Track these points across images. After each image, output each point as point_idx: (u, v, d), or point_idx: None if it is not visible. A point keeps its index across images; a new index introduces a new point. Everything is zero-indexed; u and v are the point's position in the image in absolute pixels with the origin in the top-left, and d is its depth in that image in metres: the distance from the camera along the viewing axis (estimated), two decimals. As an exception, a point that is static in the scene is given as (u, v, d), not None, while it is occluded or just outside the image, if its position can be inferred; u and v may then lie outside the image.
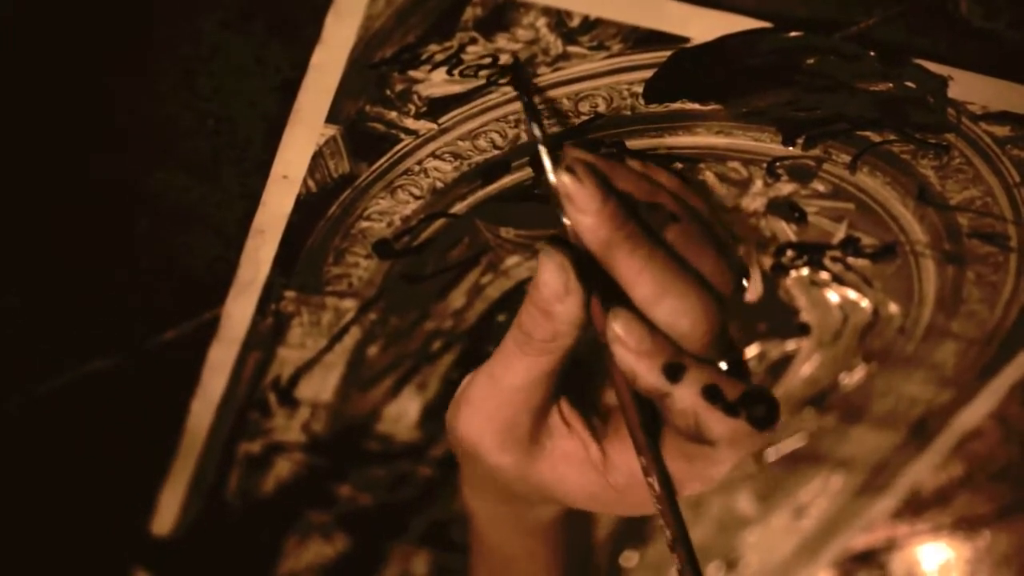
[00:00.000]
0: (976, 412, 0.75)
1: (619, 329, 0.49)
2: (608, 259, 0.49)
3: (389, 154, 0.52)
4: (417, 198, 0.55)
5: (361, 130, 0.51)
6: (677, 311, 0.50)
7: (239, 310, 0.58)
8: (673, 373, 0.50)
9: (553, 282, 0.49)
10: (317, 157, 0.51)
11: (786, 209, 0.59)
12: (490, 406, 0.53)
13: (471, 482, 0.61)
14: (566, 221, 0.50)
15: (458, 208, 0.56)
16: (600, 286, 0.50)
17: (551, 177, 0.50)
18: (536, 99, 0.51)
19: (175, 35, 0.47)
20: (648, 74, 0.51)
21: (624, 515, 0.65)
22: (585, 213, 0.49)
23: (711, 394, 0.50)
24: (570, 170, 0.49)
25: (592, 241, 0.49)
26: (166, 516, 0.69)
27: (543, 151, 0.50)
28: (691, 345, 0.50)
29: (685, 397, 0.50)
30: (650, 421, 0.52)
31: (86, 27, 0.47)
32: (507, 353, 0.52)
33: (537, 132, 0.50)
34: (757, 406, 0.50)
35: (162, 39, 0.48)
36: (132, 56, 0.48)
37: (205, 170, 0.53)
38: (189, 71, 0.49)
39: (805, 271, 0.63)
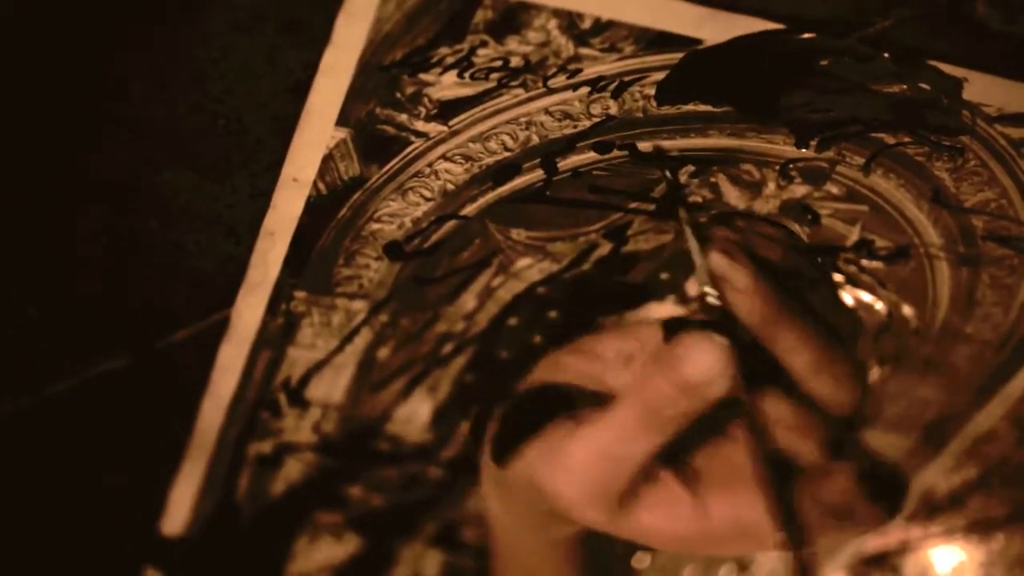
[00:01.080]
0: (990, 415, 0.74)
1: (774, 408, 0.50)
2: (766, 335, 0.50)
3: (400, 156, 0.52)
4: (428, 200, 0.54)
5: (371, 132, 0.51)
6: (837, 379, 0.50)
7: (249, 310, 0.58)
8: (836, 448, 0.50)
9: (712, 366, 0.48)
10: (327, 159, 0.51)
11: (799, 211, 0.58)
12: (596, 474, 0.52)
13: (508, 506, 0.60)
14: (715, 302, 0.50)
15: (469, 210, 0.56)
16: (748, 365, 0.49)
17: (698, 259, 0.50)
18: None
19: (186, 36, 0.47)
20: (660, 76, 0.51)
21: (711, 554, 0.65)
22: (743, 292, 0.49)
23: (866, 479, 0.50)
24: (725, 252, 0.49)
25: (751, 318, 0.49)
26: (176, 516, 0.69)
27: (689, 234, 0.51)
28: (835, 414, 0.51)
29: (843, 478, 0.50)
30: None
31: (97, 27, 0.47)
32: (625, 427, 0.51)
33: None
34: (898, 496, 0.50)
35: (173, 40, 0.48)
36: (143, 57, 0.48)
37: (216, 171, 0.53)
38: (200, 72, 0.48)
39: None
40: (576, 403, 0.54)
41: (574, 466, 0.52)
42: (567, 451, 0.52)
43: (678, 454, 0.54)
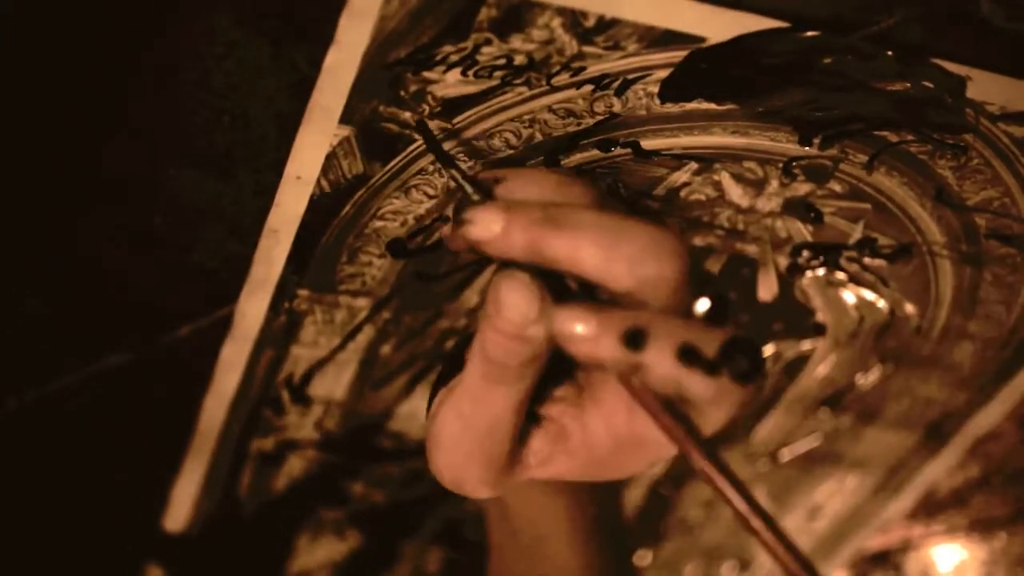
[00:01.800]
0: (993, 413, 0.74)
1: (561, 323, 0.45)
2: (541, 253, 0.45)
3: (403, 154, 0.52)
4: (431, 197, 0.54)
5: (375, 130, 0.51)
6: (634, 257, 0.44)
7: (252, 308, 0.58)
8: (634, 341, 0.44)
9: (523, 304, 0.45)
10: (331, 157, 0.51)
11: (802, 209, 0.58)
12: (466, 446, 0.48)
13: None
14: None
15: (472, 207, 0.55)
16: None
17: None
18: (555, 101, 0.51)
19: (191, 32, 0.47)
20: (664, 74, 0.51)
21: (619, 477, 0.60)
22: (493, 226, 0.45)
23: (687, 355, 0.44)
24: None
25: (517, 247, 0.45)
26: (179, 512, 0.69)
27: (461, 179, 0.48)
28: (665, 297, 0.45)
29: (660, 364, 0.44)
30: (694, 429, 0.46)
31: (102, 24, 0.47)
32: (475, 388, 0.47)
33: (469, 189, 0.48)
34: (739, 360, 0.45)
35: (178, 36, 0.48)
36: (148, 53, 0.48)
37: (220, 167, 0.53)
38: (204, 68, 0.48)
39: (821, 271, 0.62)
40: (460, 369, 0.49)
41: (444, 441, 0.49)
42: (435, 429, 0.49)
43: (543, 396, 0.50)
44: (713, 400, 0.45)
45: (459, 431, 0.48)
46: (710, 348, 0.44)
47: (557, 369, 0.49)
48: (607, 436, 0.48)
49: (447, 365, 0.51)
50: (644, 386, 0.45)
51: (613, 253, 0.44)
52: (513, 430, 0.48)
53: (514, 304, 0.45)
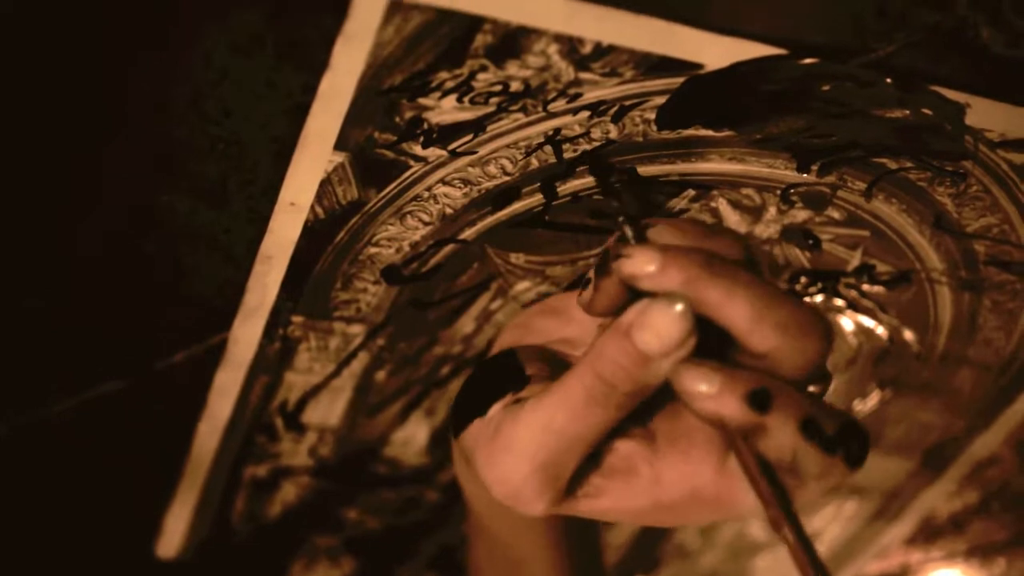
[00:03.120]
0: (992, 439, 0.74)
1: (690, 380, 0.45)
2: (695, 294, 0.45)
3: (398, 180, 0.52)
4: (426, 224, 0.54)
5: (370, 157, 0.50)
6: (783, 324, 0.45)
7: (246, 334, 0.58)
8: (760, 402, 0.45)
9: (675, 332, 0.44)
10: (325, 184, 0.51)
11: (800, 236, 0.58)
12: (542, 456, 0.47)
13: (478, 483, 0.55)
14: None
15: (467, 234, 0.55)
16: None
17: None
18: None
19: (185, 58, 0.47)
20: (660, 100, 0.50)
21: (671, 526, 0.59)
22: (650, 264, 0.45)
23: (809, 428, 0.45)
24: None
25: (672, 285, 0.45)
26: (172, 539, 0.69)
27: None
28: (797, 371, 0.46)
29: (783, 431, 0.45)
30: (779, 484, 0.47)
31: (97, 49, 0.47)
32: (575, 403, 0.46)
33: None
34: (853, 443, 0.46)
35: (172, 62, 0.47)
36: (142, 79, 0.48)
37: (214, 194, 0.52)
38: (199, 94, 0.48)
39: (819, 298, 0.62)
40: (526, 380, 0.50)
41: (518, 447, 0.48)
42: (510, 433, 0.48)
43: (630, 424, 0.49)
44: (820, 476, 0.46)
45: (541, 441, 0.47)
46: (830, 426, 0.45)
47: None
48: (682, 486, 0.48)
49: (500, 376, 0.51)
50: (751, 449, 0.46)
51: (766, 313, 0.45)
52: (586, 453, 0.48)
53: (664, 329, 0.44)
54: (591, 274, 0.49)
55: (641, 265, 0.45)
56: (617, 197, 0.54)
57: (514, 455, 0.48)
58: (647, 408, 0.49)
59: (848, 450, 0.45)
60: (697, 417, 0.46)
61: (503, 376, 0.51)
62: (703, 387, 0.45)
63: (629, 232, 0.47)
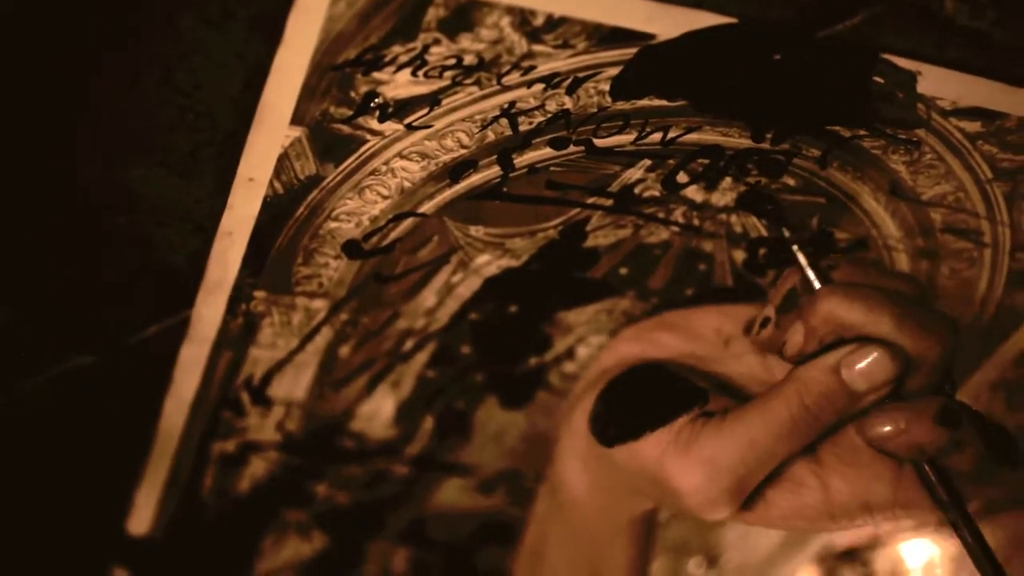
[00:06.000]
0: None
1: (876, 428, 0.51)
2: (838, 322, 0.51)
3: (355, 155, 0.52)
4: (385, 198, 0.54)
5: (326, 131, 0.51)
6: (920, 330, 0.50)
7: (209, 310, 0.58)
8: (950, 420, 0.50)
9: (883, 375, 0.50)
10: (283, 159, 0.51)
11: (757, 203, 0.58)
12: (742, 470, 0.52)
13: (596, 482, 0.60)
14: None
15: (427, 207, 0.56)
16: None
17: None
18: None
19: (155, 30, 0.47)
20: (614, 71, 0.51)
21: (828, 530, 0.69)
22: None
23: (989, 439, 0.51)
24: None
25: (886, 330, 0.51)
26: (143, 515, 0.69)
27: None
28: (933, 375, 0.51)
29: (972, 442, 0.51)
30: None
31: (65, 22, 0.47)
32: (780, 426, 0.52)
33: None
34: (1015, 449, 0.52)
35: (141, 34, 0.47)
36: (111, 52, 0.48)
37: (184, 166, 0.53)
38: (168, 67, 0.48)
39: (778, 267, 0.62)
40: (707, 394, 0.55)
41: (719, 460, 0.52)
42: (712, 446, 0.52)
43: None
44: (999, 484, 0.53)
45: (744, 456, 0.52)
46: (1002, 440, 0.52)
47: None
48: (853, 497, 0.53)
49: (673, 388, 0.56)
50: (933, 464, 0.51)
51: (903, 322, 0.50)
52: (772, 469, 0.53)
53: (873, 372, 0.50)
54: (770, 312, 0.56)
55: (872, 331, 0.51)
56: (784, 224, 0.57)
57: (716, 467, 0.52)
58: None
59: (1014, 457, 0.52)
60: (897, 456, 0.52)
61: (679, 389, 0.56)
62: (890, 428, 0.50)
63: (811, 273, 0.54)
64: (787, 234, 0.56)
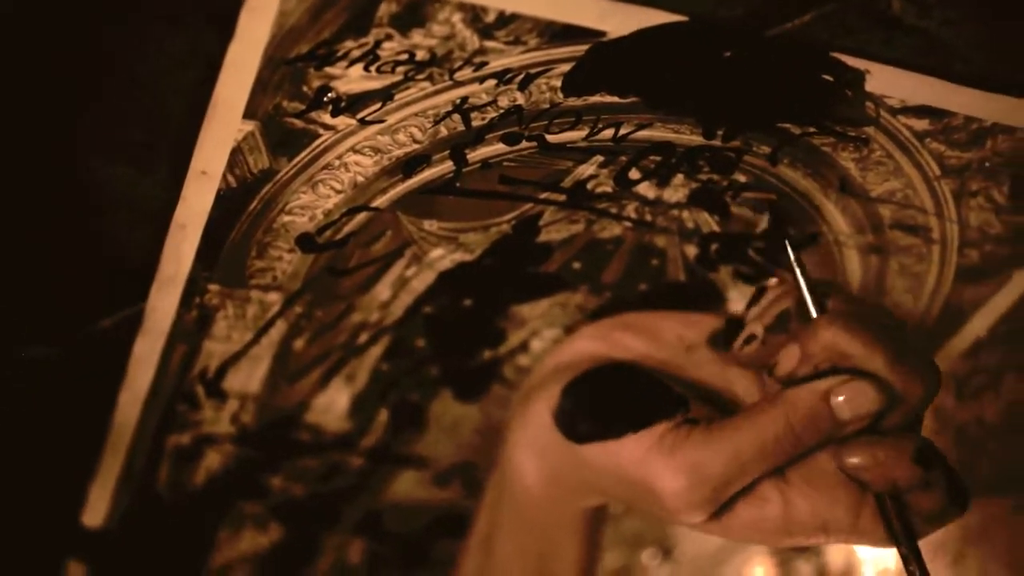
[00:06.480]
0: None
1: (855, 457, 0.52)
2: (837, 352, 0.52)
3: (309, 149, 0.52)
4: (338, 192, 0.55)
5: (279, 126, 0.51)
6: (910, 371, 0.52)
7: (163, 303, 0.58)
8: (926, 460, 0.52)
9: (868, 407, 0.52)
10: (236, 153, 0.51)
11: (708, 200, 0.59)
12: (722, 481, 0.53)
13: (552, 475, 0.61)
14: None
15: (380, 201, 0.56)
16: None
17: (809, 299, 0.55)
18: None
19: (109, 25, 0.47)
20: (566, 68, 0.51)
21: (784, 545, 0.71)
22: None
23: (951, 483, 0.53)
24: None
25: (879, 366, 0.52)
26: (97, 508, 0.69)
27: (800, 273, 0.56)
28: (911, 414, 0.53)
29: (937, 491, 0.52)
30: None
31: (25, 16, 0.47)
32: (764, 443, 0.53)
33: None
34: (965, 493, 0.53)
35: (95, 28, 0.48)
36: (64, 45, 0.48)
37: (137, 159, 0.53)
38: (126, 59, 0.48)
39: (730, 263, 0.63)
40: (688, 402, 0.56)
41: (703, 470, 0.53)
42: (698, 454, 0.53)
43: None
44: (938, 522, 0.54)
45: (726, 468, 0.53)
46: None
47: None
48: (813, 518, 0.54)
49: (655, 393, 0.57)
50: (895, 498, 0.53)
51: (896, 362, 0.52)
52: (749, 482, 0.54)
53: (860, 402, 0.52)
54: (757, 330, 0.57)
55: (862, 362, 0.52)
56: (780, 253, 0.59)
57: (700, 474, 0.53)
58: None
59: (963, 500, 0.54)
60: (867, 486, 0.53)
61: (661, 393, 0.57)
62: (869, 460, 0.52)
63: (810, 300, 0.55)
64: (791, 255, 0.57)
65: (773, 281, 0.61)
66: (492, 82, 0.51)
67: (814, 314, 0.55)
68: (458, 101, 0.52)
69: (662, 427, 0.55)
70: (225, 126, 0.50)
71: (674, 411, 0.55)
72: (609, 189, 0.57)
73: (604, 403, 0.57)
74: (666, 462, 0.54)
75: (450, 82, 0.51)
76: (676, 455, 0.54)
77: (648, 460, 0.54)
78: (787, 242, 0.57)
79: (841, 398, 0.52)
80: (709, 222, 0.60)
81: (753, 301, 0.60)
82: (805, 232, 0.61)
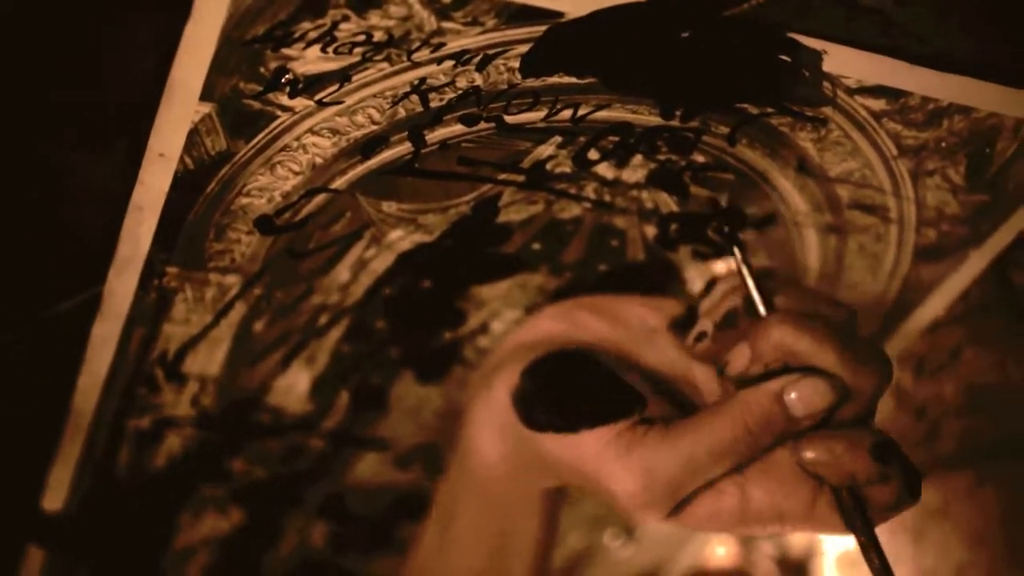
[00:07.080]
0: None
1: (813, 452, 0.53)
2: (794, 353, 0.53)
3: (266, 131, 0.52)
4: (297, 174, 0.54)
5: (237, 107, 0.51)
6: (859, 364, 0.53)
7: (121, 286, 0.58)
8: (882, 455, 0.53)
9: (822, 404, 0.53)
10: (193, 134, 0.51)
11: (667, 180, 0.59)
12: (679, 481, 0.54)
13: (512, 455, 0.61)
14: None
15: (339, 183, 0.56)
16: None
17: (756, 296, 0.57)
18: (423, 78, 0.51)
19: (63, 5, 0.47)
20: (523, 48, 0.51)
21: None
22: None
23: (907, 476, 0.54)
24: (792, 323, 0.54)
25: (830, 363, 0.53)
26: (57, 492, 0.69)
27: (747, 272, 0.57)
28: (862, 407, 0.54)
29: (893, 484, 0.53)
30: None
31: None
32: (720, 445, 0.53)
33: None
34: (918, 481, 0.54)
35: (53, 10, 0.47)
36: (20, 26, 0.48)
37: (94, 141, 0.52)
38: (81, 42, 0.48)
39: (689, 242, 0.63)
40: (646, 401, 0.56)
41: (659, 472, 0.54)
42: (652, 457, 0.54)
43: None
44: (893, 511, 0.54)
45: (682, 469, 0.54)
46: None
47: None
48: (770, 510, 0.55)
49: (614, 390, 0.57)
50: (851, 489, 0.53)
51: (850, 362, 0.53)
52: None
53: (812, 400, 0.53)
54: (707, 327, 0.58)
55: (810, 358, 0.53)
56: (737, 244, 0.59)
57: (654, 477, 0.54)
58: None
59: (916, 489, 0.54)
60: (825, 480, 0.53)
61: (620, 391, 0.57)
62: (826, 455, 0.53)
63: (758, 298, 0.56)
64: (738, 255, 0.58)
65: (722, 269, 0.61)
66: (450, 63, 0.51)
67: (763, 312, 0.56)
68: (416, 82, 0.52)
69: (619, 426, 0.55)
70: (182, 108, 0.50)
71: (631, 410, 0.56)
72: (568, 169, 0.58)
73: (562, 393, 0.57)
74: (621, 463, 0.54)
75: (408, 63, 0.51)
76: (631, 456, 0.54)
77: (603, 459, 0.55)
78: (734, 245, 0.58)
79: (794, 395, 0.53)
80: (668, 202, 0.61)
81: (704, 294, 0.60)
82: (763, 212, 0.61)
